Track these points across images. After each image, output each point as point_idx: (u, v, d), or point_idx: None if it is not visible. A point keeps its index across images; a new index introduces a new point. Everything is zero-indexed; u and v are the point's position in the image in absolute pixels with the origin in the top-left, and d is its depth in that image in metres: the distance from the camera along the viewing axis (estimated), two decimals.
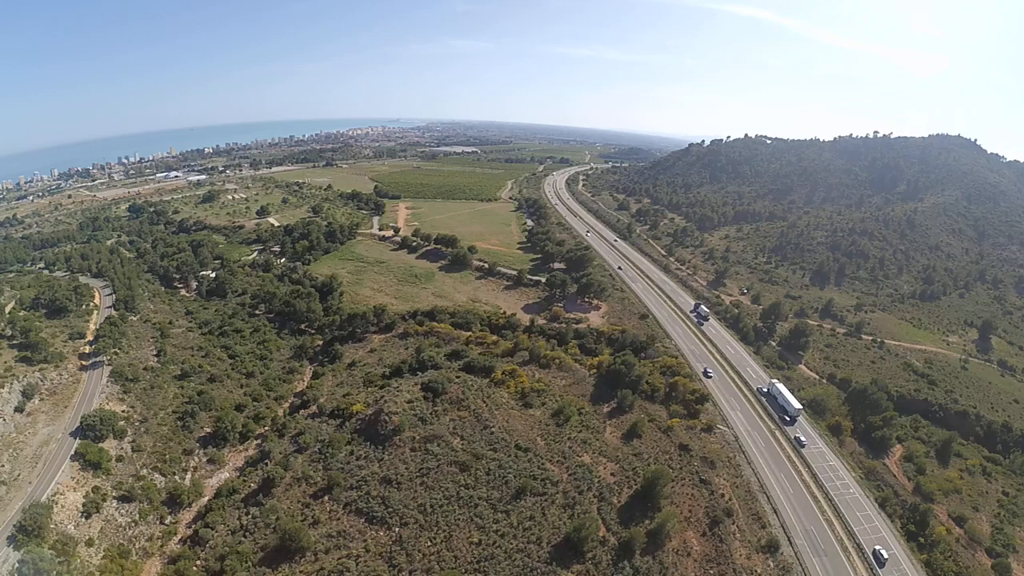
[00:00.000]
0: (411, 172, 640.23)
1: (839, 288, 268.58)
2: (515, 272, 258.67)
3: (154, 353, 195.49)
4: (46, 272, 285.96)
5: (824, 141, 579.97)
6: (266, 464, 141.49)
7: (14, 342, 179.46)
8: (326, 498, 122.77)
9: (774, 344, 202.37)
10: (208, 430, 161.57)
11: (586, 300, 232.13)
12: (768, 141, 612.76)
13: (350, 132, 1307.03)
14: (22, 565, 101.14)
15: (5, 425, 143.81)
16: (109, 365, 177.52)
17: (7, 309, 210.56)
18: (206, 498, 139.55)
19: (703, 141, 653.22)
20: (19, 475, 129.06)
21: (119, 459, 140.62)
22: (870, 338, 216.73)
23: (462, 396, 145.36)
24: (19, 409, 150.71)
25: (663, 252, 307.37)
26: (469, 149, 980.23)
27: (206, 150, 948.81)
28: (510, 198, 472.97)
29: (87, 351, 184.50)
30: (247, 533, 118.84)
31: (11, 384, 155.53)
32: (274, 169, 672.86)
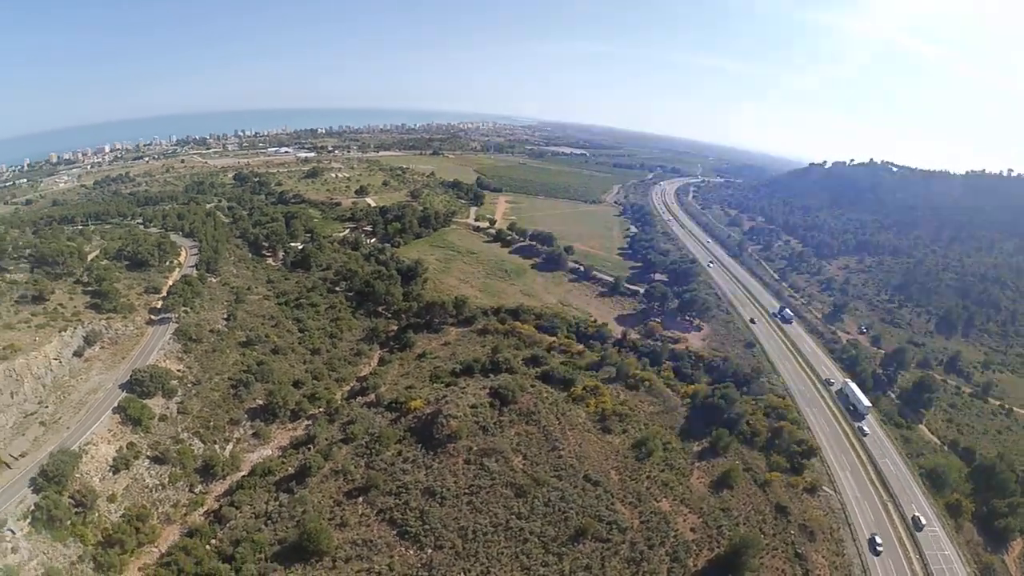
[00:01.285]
0: (516, 167, 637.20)
1: (966, 340, 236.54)
2: (612, 278, 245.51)
3: (224, 316, 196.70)
4: (141, 227, 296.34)
5: (955, 175, 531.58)
6: (309, 449, 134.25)
7: (88, 288, 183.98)
8: (361, 499, 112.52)
9: (893, 396, 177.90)
10: (260, 402, 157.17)
11: (687, 318, 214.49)
12: (894, 169, 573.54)
13: (460, 125, 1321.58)
14: (37, 510, 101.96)
15: (60, 368, 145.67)
16: (176, 323, 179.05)
17: (89, 257, 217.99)
18: (241, 473, 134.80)
19: (824, 162, 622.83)
20: (60, 418, 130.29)
21: (162, 418, 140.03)
22: (998, 402, 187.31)
23: (533, 409, 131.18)
24: (78, 354, 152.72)
25: (776, 276, 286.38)
26: (578, 151, 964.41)
27: (319, 130, 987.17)
28: (615, 202, 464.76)
29: (158, 306, 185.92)
30: (270, 520, 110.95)
31: (74, 328, 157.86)
32: (381, 153, 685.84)
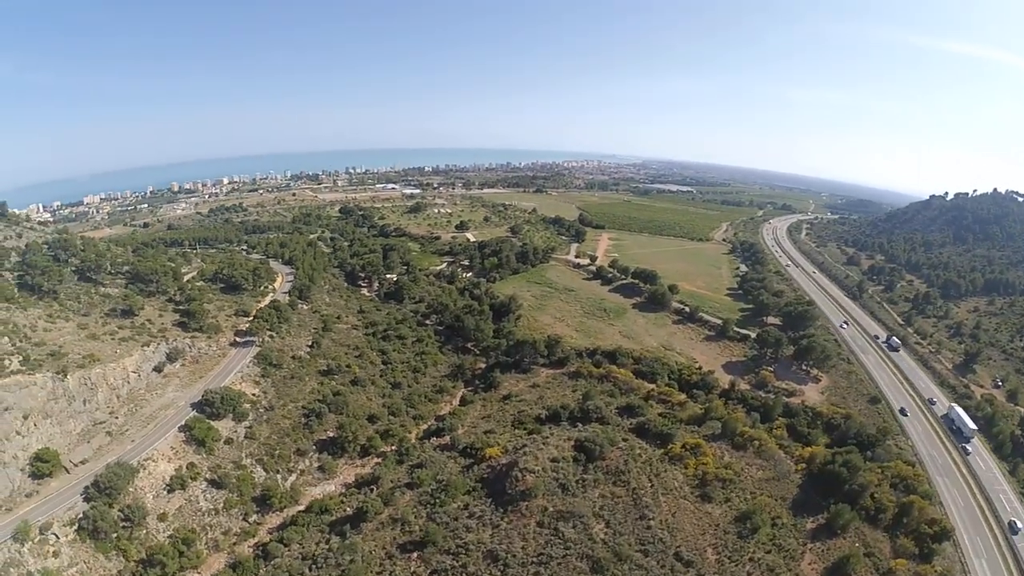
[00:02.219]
0: (620, 204, 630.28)
1: None
2: (720, 321, 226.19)
3: (308, 343, 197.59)
4: (243, 253, 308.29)
5: None
6: (371, 490, 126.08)
7: (179, 307, 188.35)
8: (415, 554, 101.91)
9: None
10: (330, 434, 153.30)
11: (803, 368, 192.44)
12: (1020, 199, 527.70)
13: (565, 163, 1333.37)
14: (84, 519, 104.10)
15: (138, 381, 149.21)
16: (258, 346, 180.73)
17: (186, 278, 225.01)
18: (299, 507, 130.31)
19: (945, 194, 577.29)
20: (127, 430, 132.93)
21: (228, 441, 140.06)
22: None
23: (623, 467, 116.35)
24: (158, 369, 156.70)
25: (900, 320, 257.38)
26: (684, 188, 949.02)
27: (426, 168, 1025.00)
28: (723, 240, 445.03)
29: (244, 329, 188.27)
30: (315, 564, 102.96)
31: (158, 344, 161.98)
32: (485, 190, 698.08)
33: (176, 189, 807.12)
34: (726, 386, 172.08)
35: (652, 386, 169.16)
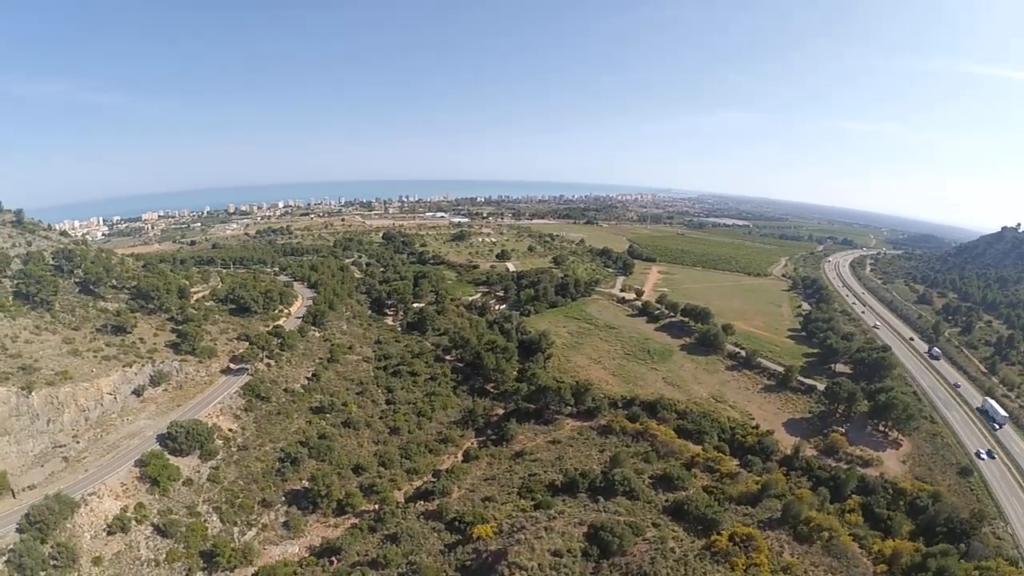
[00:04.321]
0: (672, 237, 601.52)
1: None
2: (781, 368, 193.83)
3: (308, 375, 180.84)
4: (271, 274, 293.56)
5: None
6: (330, 563, 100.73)
7: (179, 327, 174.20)
8: None
9: None
10: (306, 484, 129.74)
11: (880, 429, 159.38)
12: None
13: (618, 196, 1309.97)
14: (11, 554, 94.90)
15: (113, 403, 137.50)
16: (250, 375, 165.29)
17: (196, 296, 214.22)
18: (250, 571, 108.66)
19: (1018, 225, 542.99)
20: (85, 457, 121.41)
21: (187, 482, 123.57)
22: None
23: (648, 568, 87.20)
24: (137, 392, 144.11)
25: (983, 368, 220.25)
26: (740, 222, 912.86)
27: (478, 199, 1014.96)
28: (783, 275, 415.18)
29: (241, 354, 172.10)
30: None
31: (143, 365, 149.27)
32: (534, 221, 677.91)
33: (232, 210, 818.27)
34: (788, 451, 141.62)
35: (698, 449, 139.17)
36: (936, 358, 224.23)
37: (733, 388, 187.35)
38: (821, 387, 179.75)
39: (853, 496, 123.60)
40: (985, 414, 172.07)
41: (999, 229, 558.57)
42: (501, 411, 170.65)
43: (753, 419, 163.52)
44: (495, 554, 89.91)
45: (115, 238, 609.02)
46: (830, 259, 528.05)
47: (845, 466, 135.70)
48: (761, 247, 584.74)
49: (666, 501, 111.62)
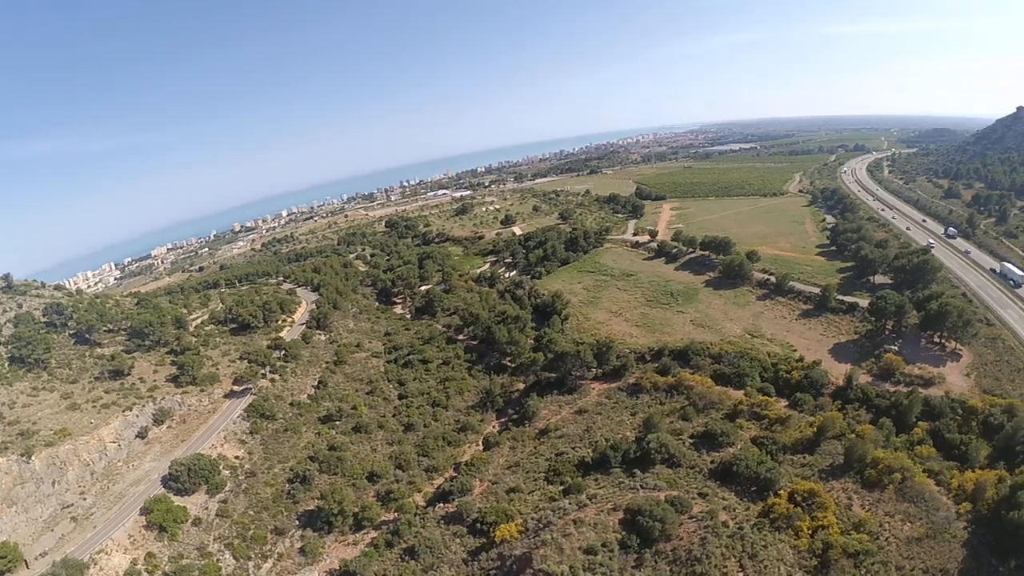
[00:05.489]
0: (680, 172, 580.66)
1: None
2: (817, 290, 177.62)
3: (314, 383, 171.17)
4: (275, 284, 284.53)
5: None
6: None
7: (177, 359, 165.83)
8: None
9: None
10: (319, 503, 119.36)
11: (935, 341, 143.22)
12: None
13: (619, 142, 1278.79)
14: None
15: (118, 451, 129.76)
16: (253, 395, 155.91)
17: (196, 322, 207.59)
18: None
19: None
20: (94, 513, 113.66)
21: (195, 522, 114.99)
22: None
23: (698, 551, 74.50)
24: (141, 435, 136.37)
25: None
26: (747, 146, 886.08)
27: (479, 169, 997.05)
28: (800, 191, 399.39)
29: (243, 375, 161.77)
30: None
31: (143, 406, 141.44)
32: (537, 181, 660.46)
33: (237, 229, 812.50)
34: (840, 381, 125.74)
35: (740, 395, 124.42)
36: (952, 237, 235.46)
37: (768, 319, 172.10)
38: (864, 303, 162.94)
39: (919, 423, 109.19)
40: (1004, 277, 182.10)
41: (1014, 110, 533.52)
42: (522, 385, 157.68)
43: (795, 350, 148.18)
44: (520, 560, 78.19)
45: (127, 280, 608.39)
46: (845, 168, 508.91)
47: (906, 389, 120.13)
48: (773, 166, 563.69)
49: (712, 463, 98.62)
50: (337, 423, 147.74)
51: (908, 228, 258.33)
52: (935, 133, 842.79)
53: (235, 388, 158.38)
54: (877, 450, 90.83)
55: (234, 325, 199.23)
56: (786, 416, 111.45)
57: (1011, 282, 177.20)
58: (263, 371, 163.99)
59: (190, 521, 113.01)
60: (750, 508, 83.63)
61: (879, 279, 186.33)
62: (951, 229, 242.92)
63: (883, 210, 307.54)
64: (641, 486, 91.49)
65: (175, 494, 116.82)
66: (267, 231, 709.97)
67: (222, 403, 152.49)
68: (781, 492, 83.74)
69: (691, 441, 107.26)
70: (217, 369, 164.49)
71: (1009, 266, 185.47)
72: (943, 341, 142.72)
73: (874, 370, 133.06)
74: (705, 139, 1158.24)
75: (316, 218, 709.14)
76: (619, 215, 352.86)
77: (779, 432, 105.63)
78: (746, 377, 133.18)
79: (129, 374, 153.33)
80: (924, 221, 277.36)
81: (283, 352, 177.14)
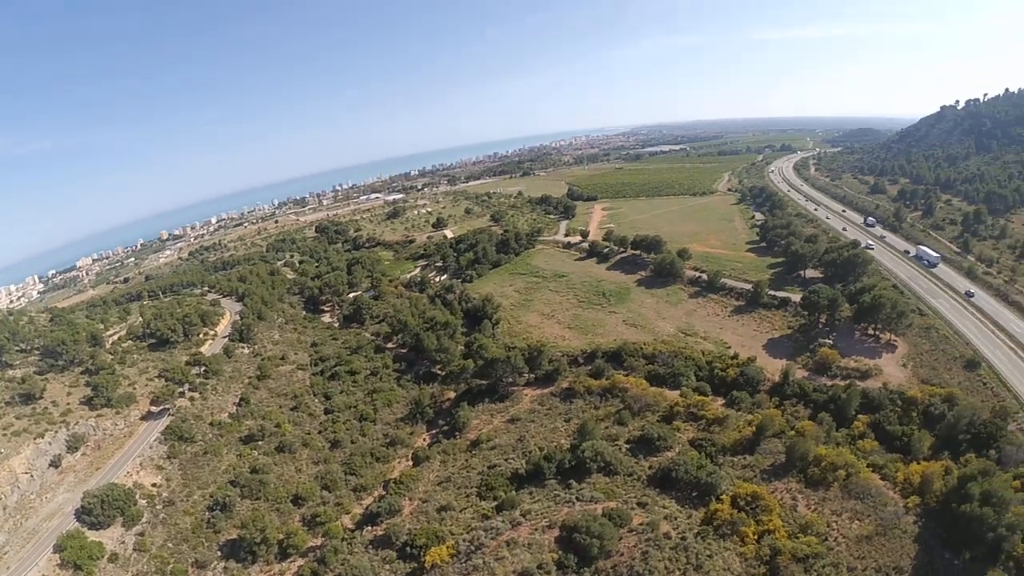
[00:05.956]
0: (611, 173, 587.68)
1: None
2: (748, 286, 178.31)
3: (236, 401, 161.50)
4: (197, 295, 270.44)
5: None
6: None
7: (91, 380, 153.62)
8: None
9: None
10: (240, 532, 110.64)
11: (870, 332, 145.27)
12: None
13: (553, 144, 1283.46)
14: None
15: (31, 482, 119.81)
16: (171, 416, 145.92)
17: (113, 339, 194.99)
18: None
19: (956, 103, 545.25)
20: (7, 552, 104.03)
21: (112, 558, 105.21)
22: None
23: (640, 568, 69.82)
24: (55, 464, 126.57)
25: (955, 248, 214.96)
26: (677, 147, 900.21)
27: (412, 173, 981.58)
28: (729, 190, 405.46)
29: (161, 394, 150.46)
30: None
31: (56, 432, 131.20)
32: (470, 183, 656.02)
33: (165, 237, 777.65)
34: (777, 378, 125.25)
35: (676, 396, 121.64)
36: (871, 226, 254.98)
37: (701, 317, 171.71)
38: (796, 298, 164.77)
39: (859, 417, 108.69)
40: (919, 259, 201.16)
41: (938, 109, 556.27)
42: (453, 394, 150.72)
43: (730, 347, 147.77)
44: None
45: (50, 293, 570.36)
46: (772, 167, 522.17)
47: (843, 383, 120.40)
48: (702, 167, 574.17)
49: (650, 469, 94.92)
50: (260, 443, 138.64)
51: (844, 228, 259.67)
52: (859, 133, 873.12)
53: (152, 409, 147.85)
54: (819, 447, 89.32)
55: (153, 340, 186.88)
56: (724, 416, 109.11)
57: (925, 262, 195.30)
58: (181, 389, 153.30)
59: (106, 557, 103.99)
60: (692, 515, 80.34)
61: (810, 273, 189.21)
62: (870, 219, 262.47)
63: (809, 205, 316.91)
64: (577, 498, 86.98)
65: (89, 528, 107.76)
66: (195, 239, 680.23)
67: (139, 426, 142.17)
68: (723, 497, 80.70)
69: (628, 447, 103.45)
70: (134, 389, 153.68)
71: (924, 248, 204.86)
72: (877, 333, 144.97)
73: (810, 365, 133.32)
74: (637, 141, 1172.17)
75: (246, 224, 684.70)
76: (551, 216, 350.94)
77: (717, 433, 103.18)
78: (681, 377, 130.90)
79: (41, 397, 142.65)
80: (844, 212, 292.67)
81: (203, 368, 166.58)
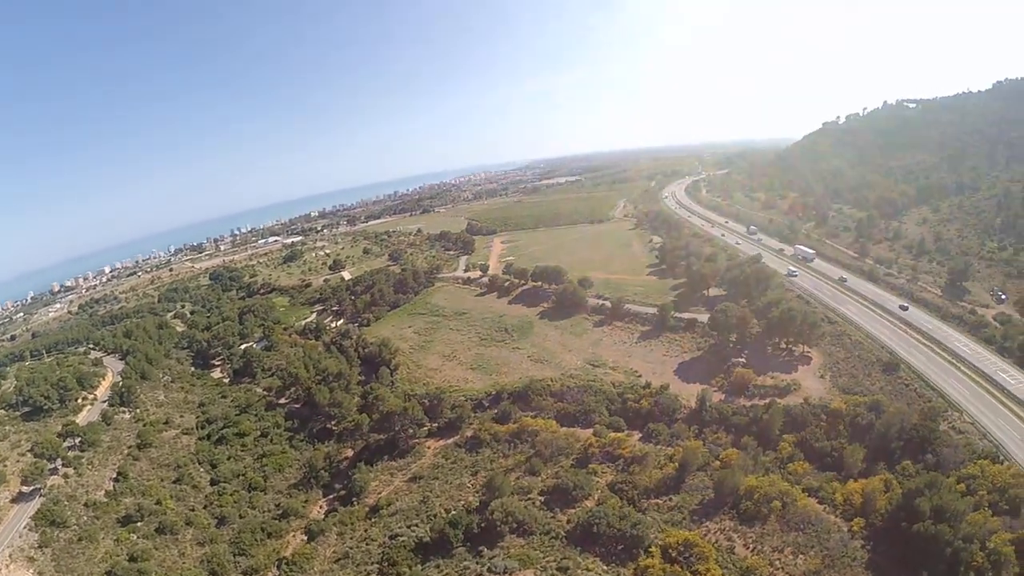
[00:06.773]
0: (510, 207, 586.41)
1: None
2: (654, 310, 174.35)
3: (113, 476, 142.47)
4: (80, 354, 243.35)
5: (981, 91, 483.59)
6: None
7: None
8: None
9: None
10: None
11: (783, 347, 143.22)
12: (912, 105, 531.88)
13: (452, 181, 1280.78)
14: None
15: None
16: (43, 497, 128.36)
17: None
18: None
19: (837, 118, 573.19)
20: None
21: None
22: None
23: None
24: None
25: (853, 253, 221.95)
26: (572, 178, 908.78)
27: (312, 214, 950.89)
28: (625, 216, 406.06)
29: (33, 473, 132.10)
30: None
31: None
32: (370, 223, 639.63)
33: (56, 289, 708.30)
34: (694, 404, 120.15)
35: (589, 435, 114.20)
36: (754, 234, 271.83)
37: (608, 346, 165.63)
38: (703, 318, 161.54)
39: (785, 437, 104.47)
40: (796, 257, 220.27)
41: (820, 126, 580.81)
42: (350, 452, 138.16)
43: (640, 376, 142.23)
44: None
45: None
46: (665, 192, 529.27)
47: (763, 403, 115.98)
48: (598, 195, 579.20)
49: (568, 523, 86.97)
50: (139, 524, 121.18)
51: (738, 243, 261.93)
52: (745, 153, 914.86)
53: (24, 489, 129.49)
54: (749, 477, 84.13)
55: (27, 408, 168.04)
56: (642, 453, 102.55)
57: (803, 258, 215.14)
58: (52, 466, 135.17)
59: None
60: (621, 572, 72.67)
61: (713, 292, 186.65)
62: (752, 227, 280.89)
63: (706, 226, 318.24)
64: (489, 570, 77.62)
65: None
66: (87, 290, 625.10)
67: (9, 510, 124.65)
68: (652, 549, 73.91)
69: (542, 499, 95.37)
70: (4, 466, 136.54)
71: (800, 247, 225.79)
72: (790, 346, 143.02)
73: (726, 386, 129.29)
74: (534, 174, 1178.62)
75: (140, 273, 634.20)
76: (450, 252, 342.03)
77: (638, 473, 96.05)
78: (593, 413, 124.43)
79: None
80: (726, 222, 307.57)
81: (78, 439, 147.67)
